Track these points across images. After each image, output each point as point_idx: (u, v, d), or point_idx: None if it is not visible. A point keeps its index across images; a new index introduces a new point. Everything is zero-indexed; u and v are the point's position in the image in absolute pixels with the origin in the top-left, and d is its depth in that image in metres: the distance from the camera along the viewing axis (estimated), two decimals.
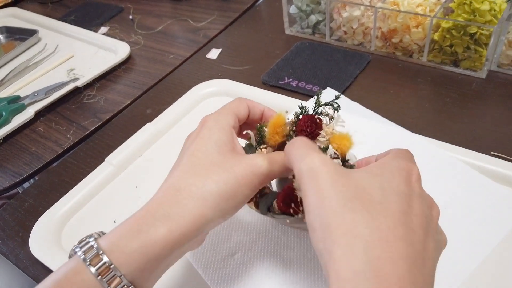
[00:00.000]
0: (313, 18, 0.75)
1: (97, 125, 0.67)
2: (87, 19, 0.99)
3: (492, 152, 0.52)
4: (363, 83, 0.66)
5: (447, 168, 0.49)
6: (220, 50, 0.79)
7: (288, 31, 0.80)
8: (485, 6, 0.59)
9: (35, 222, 0.51)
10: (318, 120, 0.36)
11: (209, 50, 0.80)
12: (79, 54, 0.85)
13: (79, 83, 0.74)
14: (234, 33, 0.85)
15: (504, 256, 0.41)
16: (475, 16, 0.60)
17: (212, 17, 0.90)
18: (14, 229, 0.53)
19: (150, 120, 0.64)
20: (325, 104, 0.37)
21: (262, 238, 0.45)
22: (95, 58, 0.83)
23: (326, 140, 0.36)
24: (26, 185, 0.63)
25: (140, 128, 0.63)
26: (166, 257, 0.30)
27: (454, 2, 0.62)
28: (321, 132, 0.35)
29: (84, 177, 0.57)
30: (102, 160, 0.59)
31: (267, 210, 0.36)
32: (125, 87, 0.75)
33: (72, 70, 0.80)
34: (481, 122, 0.57)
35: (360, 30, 0.72)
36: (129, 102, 0.71)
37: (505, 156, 0.51)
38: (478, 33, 0.60)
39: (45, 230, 0.50)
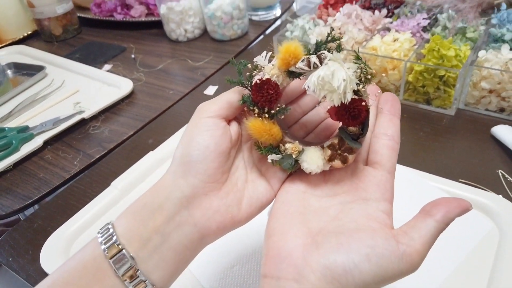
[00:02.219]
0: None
1: (102, 153, 0.73)
2: (92, 57, 1.06)
3: (460, 180, 0.58)
4: None
5: (422, 192, 0.56)
6: (217, 87, 0.87)
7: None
8: (451, 53, 0.67)
9: (44, 241, 0.55)
10: (270, 88, 0.33)
11: (206, 87, 0.87)
12: (85, 89, 0.92)
13: (85, 115, 0.80)
14: (230, 72, 0.93)
15: (469, 271, 0.46)
16: (443, 61, 0.68)
17: (209, 58, 0.99)
18: (24, 248, 0.57)
19: (152, 149, 0.70)
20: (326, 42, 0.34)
21: (258, 253, 0.50)
22: (99, 92, 0.90)
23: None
24: (30, 211, 0.67)
25: (142, 157, 0.68)
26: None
27: (425, 48, 0.71)
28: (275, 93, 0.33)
29: (90, 201, 0.61)
30: (107, 185, 0.64)
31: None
32: (128, 119, 0.81)
33: (78, 103, 0.86)
34: (451, 153, 0.64)
35: None
36: (132, 133, 0.77)
37: (471, 183, 0.58)
38: (446, 76, 0.68)
39: (56, 247, 0.54)
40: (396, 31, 0.79)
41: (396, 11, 0.87)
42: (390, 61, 0.73)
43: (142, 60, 1.02)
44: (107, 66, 1.00)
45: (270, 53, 0.35)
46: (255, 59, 0.35)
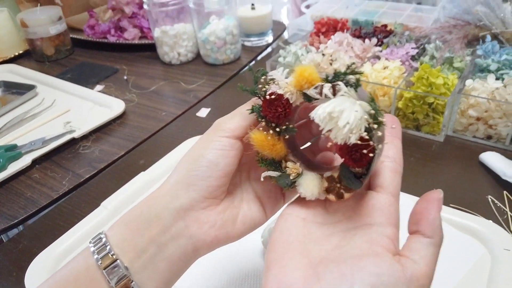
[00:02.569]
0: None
1: (92, 173, 0.72)
2: (83, 77, 1.06)
3: (450, 204, 0.59)
4: None
5: None
6: (209, 109, 0.87)
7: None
8: (440, 81, 0.69)
9: (30, 262, 0.54)
10: (280, 106, 0.33)
11: (199, 109, 0.88)
12: (76, 108, 0.91)
13: (75, 135, 0.79)
14: (222, 95, 0.94)
15: None
16: (431, 88, 0.70)
17: (201, 81, 0.99)
18: (8, 269, 0.55)
19: (144, 170, 0.69)
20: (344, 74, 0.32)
21: (251, 277, 0.49)
22: (91, 112, 0.89)
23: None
24: (14, 231, 0.65)
25: (133, 177, 0.67)
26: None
27: (414, 76, 0.73)
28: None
29: (79, 221, 0.60)
30: (97, 205, 0.62)
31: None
32: (119, 140, 0.80)
33: (68, 122, 0.85)
34: (441, 179, 0.65)
35: None
36: (123, 153, 0.76)
37: (462, 208, 0.58)
38: (435, 103, 0.70)
39: (41, 268, 0.52)
40: (386, 59, 0.81)
41: (385, 40, 0.90)
42: (380, 88, 0.75)
43: (134, 82, 1.02)
44: (99, 87, 1.00)
45: (287, 70, 0.34)
46: (271, 73, 0.34)
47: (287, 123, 0.34)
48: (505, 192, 0.61)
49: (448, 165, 0.68)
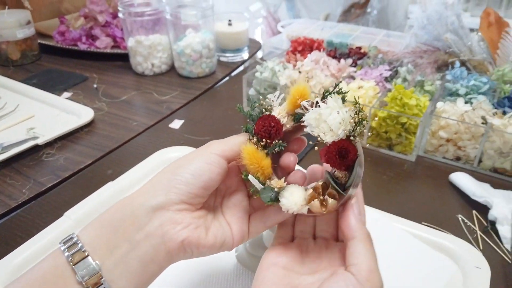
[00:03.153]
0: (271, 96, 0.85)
1: (55, 182, 0.68)
2: (50, 84, 1.01)
3: (423, 222, 0.60)
4: (313, 158, 0.74)
5: (388, 233, 0.56)
6: (182, 121, 0.85)
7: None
8: (413, 101, 0.71)
9: None
10: (273, 121, 0.36)
11: (172, 121, 0.86)
12: (40, 115, 0.87)
13: (39, 141, 0.75)
14: (196, 107, 0.92)
15: None
16: (405, 109, 0.72)
17: (175, 92, 0.98)
18: None
19: (111, 180, 0.66)
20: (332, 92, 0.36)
21: None
22: (57, 119, 0.85)
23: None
24: None
25: (100, 187, 0.64)
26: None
27: (388, 96, 0.74)
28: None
29: (38, 232, 0.56)
30: (59, 216, 0.58)
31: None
32: (86, 148, 0.77)
33: (32, 129, 0.81)
34: (413, 197, 0.66)
35: None
36: (89, 162, 0.73)
37: (434, 226, 0.59)
38: (408, 123, 0.72)
39: None
40: (361, 79, 0.83)
41: (359, 61, 0.92)
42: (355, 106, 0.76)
43: (104, 91, 0.99)
44: (67, 94, 0.96)
45: (283, 95, 0.37)
46: (268, 96, 0.37)
47: (276, 140, 0.36)
48: (474, 211, 0.62)
49: (419, 184, 0.69)
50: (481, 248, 0.56)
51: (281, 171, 0.38)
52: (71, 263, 0.30)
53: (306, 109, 0.34)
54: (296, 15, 2.19)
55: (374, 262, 0.32)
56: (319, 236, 0.38)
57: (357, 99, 0.34)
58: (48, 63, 1.15)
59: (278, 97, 0.37)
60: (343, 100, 0.35)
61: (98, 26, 1.17)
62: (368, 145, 0.77)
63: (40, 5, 1.26)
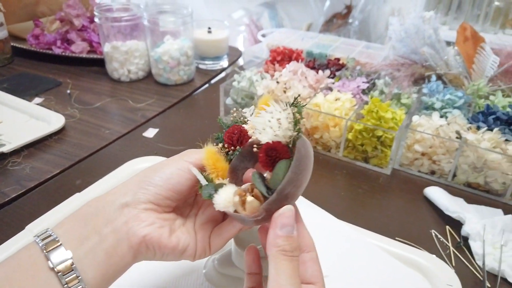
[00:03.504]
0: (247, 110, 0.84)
1: (19, 192, 0.65)
2: (21, 88, 0.98)
3: (396, 238, 0.59)
4: None
5: (360, 249, 0.55)
6: (157, 130, 0.83)
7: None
8: (389, 115, 0.71)
9: None
10: (237, 129, 0.38)
11: (146, 129, 0.84)
12: (8, 121, 0.83)
13: (4, 149, 0.72)
14: (172, 116, 0.90)
15: None
16: (381, 122, 0.71)
17: (151, 100, 0.96)
18: None
19: (79, 191, 0.63)
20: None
21: None
22: (25, 126, 0.82)
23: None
24: None
25: (67, 198, 0.62)
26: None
27: (364, 109, 0.74)
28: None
29: None
30: (21, 229, 0.56)
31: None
32: (54, 157, 0.74)
33: None
34: (387, 211, 0.65)
35: None
36: (57, 171, 0.70)
37: (407, 242, 0.58)
38: (384, 136, 0.71)
39: None
40: (338, 91, 0.82)
41: (337, 73, 0.92)
42: (332, 118, 0.75)
43: (78, 97, 0.96)
44: (38, 100, 0.93)
45: (256, 110, 0.39)
46: (244, 110, 0.40)
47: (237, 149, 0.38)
48: (447, 227, 0.62)
49: (394, 198, 0.68)
50: (453, 264, 0.56)
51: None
52: (44, 251, 0.32)
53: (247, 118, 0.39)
54: (279, 23, 2.19)
55: (286, 278, 0.31)
56: None
57: (291, 102, 0.35)
58: (20, 67, 1.12)
59: (251, 111, 0.39)
60: (299, 113, 0.35)
61: (74, 30, 1.14)
62: (344, 157, 0.77)
63: (15, 7, 1.22)
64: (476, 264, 0.56)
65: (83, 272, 0.32)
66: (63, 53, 1.11)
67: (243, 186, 0.35)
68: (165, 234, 0.36)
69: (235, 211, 0.34)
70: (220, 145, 0.39)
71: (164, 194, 0.36)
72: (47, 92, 0.98)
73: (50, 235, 0.33)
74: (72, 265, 0.32)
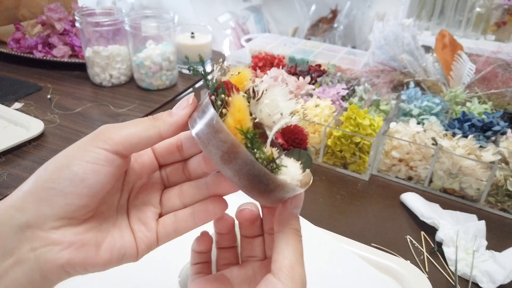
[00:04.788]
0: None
1: None
2: (1, 93, 0.97)
3: (372, 244, 0.60)
4: None
5: (337, 255, 0.56)
6: None
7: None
8: (366, 122, 0.72)
9: None
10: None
11: None
12: None
13: None
14: None
15: None
16: (359, 128, 0.72)
17: (133, 105, 0.95)
18: None
19: None
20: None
21: None
22: (3, 132, 0.81)
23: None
24: None
25: None
26: None
27: (343, 116, 0.75)
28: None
29: None
30: None
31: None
32: (33, 164, 0.73)
33: None
34: (364, 217, 0.66)
35: None
36: None
37: (382, 248, 0.59)
38: (362, 143, 0.72)
39: None
40: (318, 97, 0.83)
41: (318, 79, 0.92)
42: (311, 125, 0.76)
43: (58, 102, 0.95)
44: (18, 105, 0.92)
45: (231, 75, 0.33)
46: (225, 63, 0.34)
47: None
48: (422, 232, 0.63)
49: (371, 204, 0.69)
50: (427, 270, 0.57)
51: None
52: None
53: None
54: (265, 27, 2.20)
55: (296, 256, 0.31)
56: (244, 260, 0.37)
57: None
58: (1, 71, 1.11)
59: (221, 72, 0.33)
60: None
61: (56, 34, 1.13)
62: (323, 163, 0.78)
63: None
64: (449, 269, 0.57)
65: None
66: (44, 57, 1.10)
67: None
68: (91, 253, 0.28)
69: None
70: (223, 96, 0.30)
71: (79, 203, 0.27)
72: (27, 97, 0.97)
73: None
74: None
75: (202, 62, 0.34)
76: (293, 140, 0.33)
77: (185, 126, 0.32)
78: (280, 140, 0.34)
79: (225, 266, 0.37)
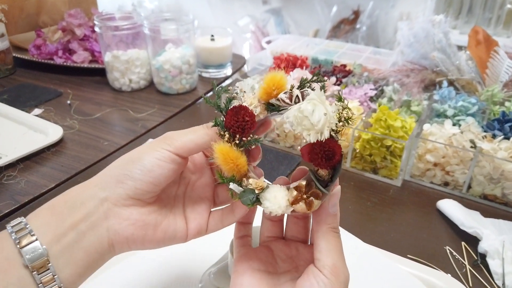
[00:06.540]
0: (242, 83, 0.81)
1: (13, 207, 0.62)
2: (22, 99, 0.96)
3: (408, 255, 0.55)
4: None
5: (373, 267, 0.51)
6: None
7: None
8: (398, 123, 0.67)
9: None
10: (247, 115, 0.32)
11: (145, 140, 0.81)
12: (6, 133, 0.82)
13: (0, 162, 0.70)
14: (174, 126, 0.88)
15: None
16: (389, 131, 0.68)
17: (152, 110, 0.93)
18: None
19: None
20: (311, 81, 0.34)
21: None
22: (22, 138, 0.80)
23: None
24: None
25: None
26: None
27: (372, 117, 0.70)
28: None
29: None
30: None
31: None
32: (51, 170, 0.72)
33: None
34: (398, 226, 0.61)
35: (292, 134, 0.77)
36: (53, 185, 0.68)
37: (420, 260, 0.55)
38: (393, 146, 0.68)
39: None
40: (345, 98, 0.79)
41: (344, 80, 0.88)
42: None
43: (78, 107, 0.94)
44: (38, 111, 0.91)
45: (257, 78, 0.34)
46: (237, 84, 0.35)
47: (250, 136, 0.33)
48: (463, 243, 0.58)
49: (405, 212, 0.64)
50: (470, 285, 0.52)
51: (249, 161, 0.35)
52: (18, 246, 0.29)
53: (285, 102, 0.32)
54: (285, 30, 2.17)
55: (338, 254, 0.33)
56: (288, 238, 0.39)
57: (341, 94, 0.33)
58: (22, 77, 1.11)
59: (249, 85, 0.34)
60: (323, 88, 0.33)
61: (76, 39, 1.13)
62: (351, 168, 0.73)
63: (17, 17, 1.22)
64: (495, 284, 0.52)
65: (59, 270, 0.30)
66: (65, 63, 1.09)
67: (294, 186, 0.33)
68: (149, 231, 0.34)
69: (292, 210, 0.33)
70: (226, 135, 0.33)
71: (144, 189, 0.33)
72: (47, 102, 0.96)
73: (24, 227, 0.31)
74: (48, 263, 0.30)
75: (218, 97, 0.35)
76: (324, 152, 0.31)
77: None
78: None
79: (270, 238, 0.39)
